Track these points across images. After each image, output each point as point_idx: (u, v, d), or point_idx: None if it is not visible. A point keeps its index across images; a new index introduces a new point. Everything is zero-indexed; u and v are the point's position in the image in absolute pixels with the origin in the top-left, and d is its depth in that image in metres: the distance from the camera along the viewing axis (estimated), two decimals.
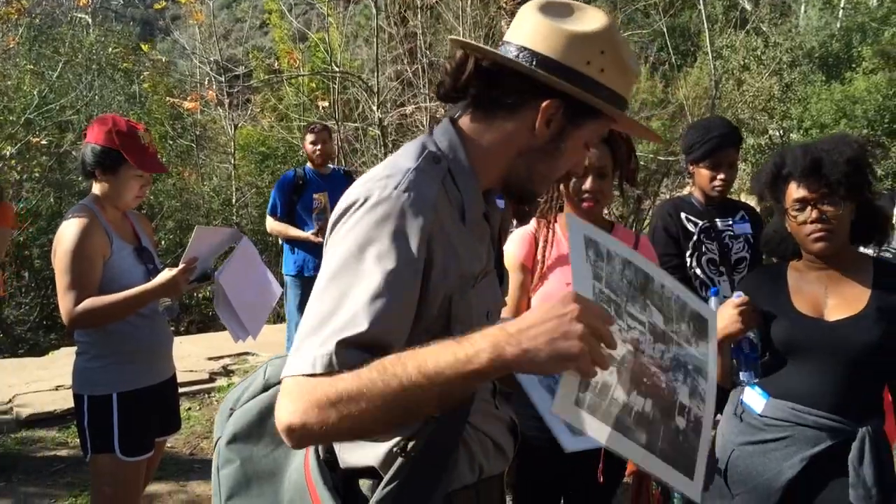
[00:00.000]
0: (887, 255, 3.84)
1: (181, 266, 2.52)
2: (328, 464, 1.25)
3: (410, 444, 1.16)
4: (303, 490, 1.23)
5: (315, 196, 4.96)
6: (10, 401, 5.12)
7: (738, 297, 2.09)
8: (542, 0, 1.28)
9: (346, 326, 1.06)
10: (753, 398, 2.14)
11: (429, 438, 1.17)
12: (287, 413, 1.04)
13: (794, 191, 2.06)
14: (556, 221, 2.37)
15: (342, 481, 1.23)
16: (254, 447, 1.34)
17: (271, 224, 5.20)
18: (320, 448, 1.26)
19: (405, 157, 1.23)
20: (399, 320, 1.11)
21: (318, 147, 5.09)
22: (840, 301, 2.05)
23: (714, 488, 2.20)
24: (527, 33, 1.25)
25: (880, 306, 2.00)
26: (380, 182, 1.16)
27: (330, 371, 1.03)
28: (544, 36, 1.23)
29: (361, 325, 1.05)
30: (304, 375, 1.05)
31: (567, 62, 1.22)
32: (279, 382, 1.37)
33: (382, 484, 1.16)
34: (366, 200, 1.14)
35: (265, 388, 1.39)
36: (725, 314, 2.09)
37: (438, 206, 1.17)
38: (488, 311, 1.29)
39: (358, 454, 1.24)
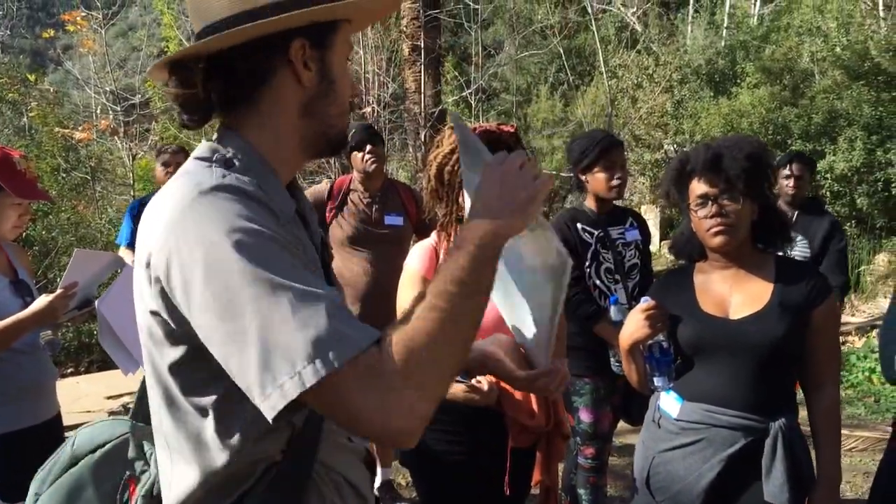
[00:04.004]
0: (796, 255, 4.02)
1: (58, 291, 2.39)
2: None
3: (247, 498, 1.05)
4: None
5: None
6: None
7: (644, 303, 2.10)
8: None
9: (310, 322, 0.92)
10: (669, 403, 2.14)
11: (269, 487, 1.06)
12: (385, 417, 0.91)
13: (696, 187, 2.10)
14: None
15: None
16: None
17: (121, 253, 4.57)
18: None
19: (193, 171, 1.07)
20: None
21: (170, 170, 4.37)
22: (744, 299, 2.08)
23: (639, 497, 2.20)
24: (212, 5, 1.08)
25: (782, 302, 2.03)
26: (178, 209, 1.01)
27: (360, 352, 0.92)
28: None
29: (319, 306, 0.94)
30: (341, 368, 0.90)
31: None
32: (92, 451, 1.24)
33: None
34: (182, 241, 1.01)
35: (73, 462, 1.24)
36: (633, 319, 2.10)
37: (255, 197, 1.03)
38: None
39: None
